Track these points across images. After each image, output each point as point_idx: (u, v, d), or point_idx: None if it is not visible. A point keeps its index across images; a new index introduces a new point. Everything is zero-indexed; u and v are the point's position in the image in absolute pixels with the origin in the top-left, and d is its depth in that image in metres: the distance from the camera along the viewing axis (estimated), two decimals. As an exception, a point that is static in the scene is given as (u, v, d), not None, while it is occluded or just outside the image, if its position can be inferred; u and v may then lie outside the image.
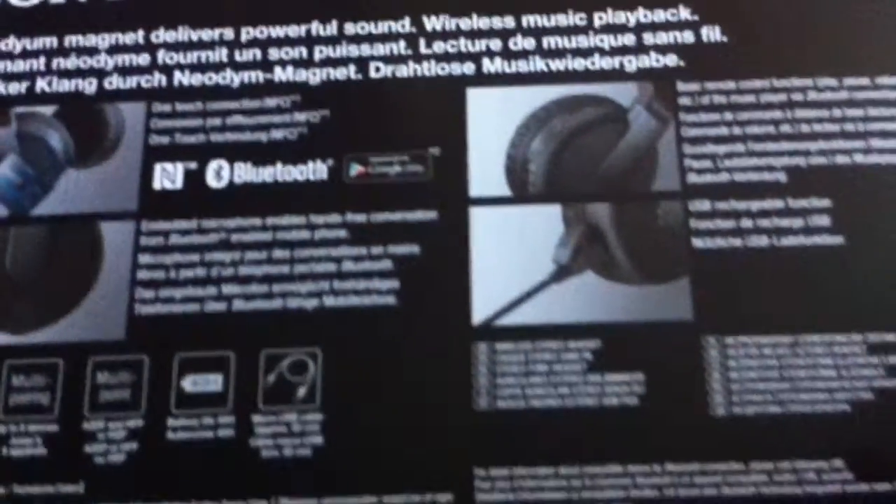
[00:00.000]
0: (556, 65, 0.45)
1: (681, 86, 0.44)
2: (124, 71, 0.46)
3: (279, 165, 0.44)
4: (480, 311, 0.42)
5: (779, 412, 0.40)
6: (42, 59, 0.46)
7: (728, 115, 0.44)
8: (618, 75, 0.45)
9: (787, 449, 0.40)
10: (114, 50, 0.46)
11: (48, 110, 0.45)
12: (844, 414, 0.40)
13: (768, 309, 0.42)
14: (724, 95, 0.44)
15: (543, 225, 0.43)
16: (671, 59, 0.45)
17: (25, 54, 0.46)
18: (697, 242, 0.42)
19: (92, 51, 0.46)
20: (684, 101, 0.44)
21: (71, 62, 0.46)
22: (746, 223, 0.43)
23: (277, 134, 0.45)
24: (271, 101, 0.45)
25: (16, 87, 0.46)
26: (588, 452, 0.40)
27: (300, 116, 0.45)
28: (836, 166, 0.44)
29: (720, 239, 0.43)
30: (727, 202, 0.43)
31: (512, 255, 0.43)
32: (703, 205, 0.43)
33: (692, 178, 0.43)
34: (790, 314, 0.41)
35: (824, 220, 0.43)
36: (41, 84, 0.46)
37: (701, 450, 0.40)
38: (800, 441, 0.40)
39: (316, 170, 0.44)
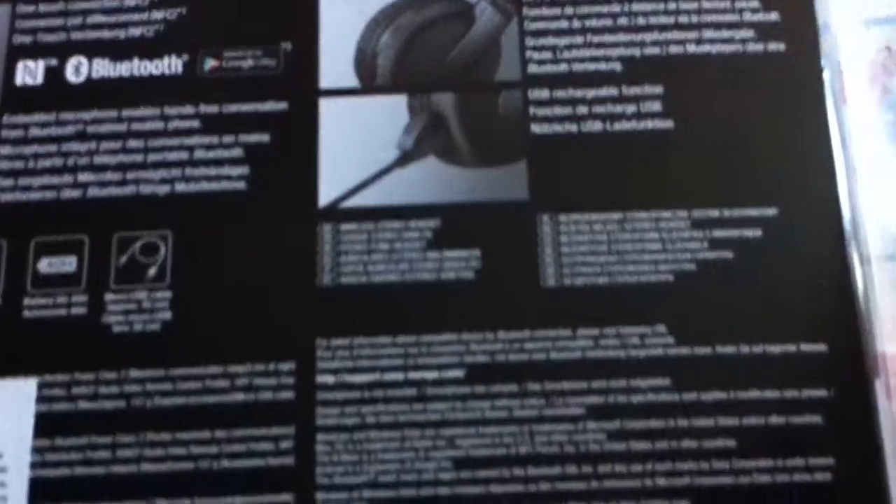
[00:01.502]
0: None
1: (524, -19, 0.47)
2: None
3: (136, 61, 0.46)
4: (326, 195, 0.44)
5: (606, 282, 0.43)
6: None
7: (569, 10, 0.47)
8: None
9: (612, 316, 0.43)
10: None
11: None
12: (668, 283, 0.43)
13: (600, 189, 0.44)
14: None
15: (389, 114, 0.45)
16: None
17: None
18: (535, 128, 0.45)
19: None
20: (527, -5, 0.47)
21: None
22: (582, 110, 0.46)
23: (135, 31, 0.47)
24: (130, 1, 0.47)
25: None
26: (425, 323, 0.43)
27: (157, 14, 0.47)
28: (670, 56, 0.46)
29: (557, 125, 0.45)
30: (565, 90, 0.46)
31: (358, 142, 0.45)
32: (543, 93, 0.46)
33: (532, 68, 0.46)
34: (620, 193, 0.44)
35: (656, 106, 0.45)
36: None
37: (532, 318, 0.43)
38: (625, 309, 0.43)
39: (171, 64, 0.46)
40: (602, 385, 0.42)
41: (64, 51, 0.46)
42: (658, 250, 0.43)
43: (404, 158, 0.45)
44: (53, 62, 0.46)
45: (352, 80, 0.46)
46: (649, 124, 0.45)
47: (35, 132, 0.45)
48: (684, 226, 0.44)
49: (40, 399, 0.42)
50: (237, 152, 0.45)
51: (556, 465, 0.41)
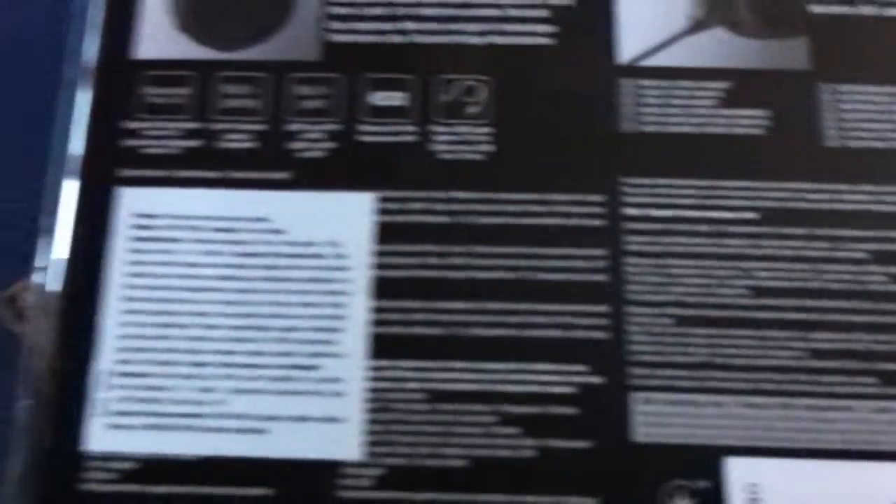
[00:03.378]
0: None
1: None
2: None
3: None
4: (625, 54, 0.50)
5: (883, 147, 0.48)
6: None
7: None
8: None
9: (889, 175, 0.48)
10: None
11: None
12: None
13: (877, 63, 0.49)
14: None
15: None
16: None
17: None
18: (815, 8, 0.50)
19: None
20: None
21: None
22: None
23: None
24: None
25: None
26: (719, 170, 0.48)
27: None
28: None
29: (835, 6, 0.50)
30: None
31: (652, 11, 0.50)
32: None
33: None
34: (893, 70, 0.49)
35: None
36: None
37: (815, 173, 0.48)
38: (897, 169, 0.48)
39: None
40: (882, 234, 0.46)
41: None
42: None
43: (695, 27, 0.50)
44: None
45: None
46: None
47: (365, -10, 0.50)
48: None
49: (379, 211, 0.47)
50: (544, 12, 0.50)
51: (843, 299, 0.46)
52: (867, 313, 0.45)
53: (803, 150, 0.48)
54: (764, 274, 0.45)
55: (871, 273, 0.46)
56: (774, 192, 0.46)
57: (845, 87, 0.49)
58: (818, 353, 0.45)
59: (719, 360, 0.44)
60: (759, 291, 0.45)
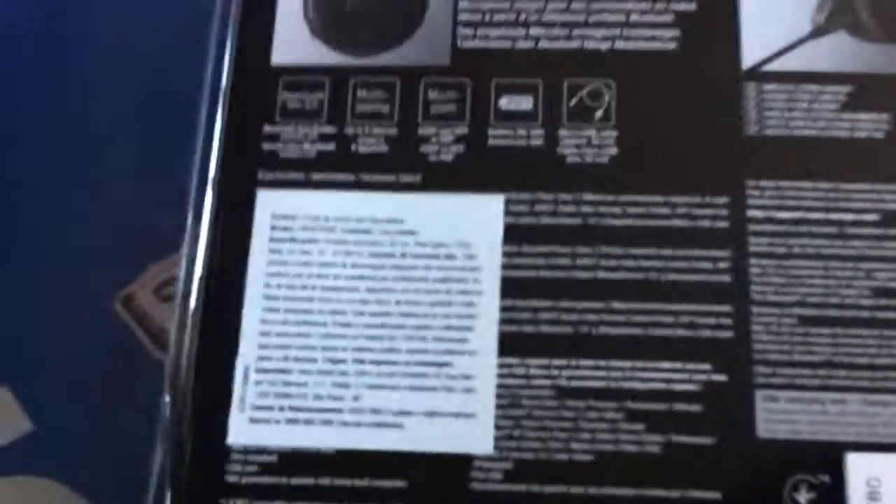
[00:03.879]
0: None
1: None
2: None
3: None
4: (748, 59, 0.51)
5: None
6: None
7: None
8: None
9: None
10: None
11: None
12: None
13: None
14: None
15: None
16: None
17: None
18: None
19: None
20: None
21: None
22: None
23: None
24: None
25: None
26: (841, 173, 0.49)
27: None
28: None
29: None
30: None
31: (775, 16, 0.51)
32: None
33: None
34: None
35: None
36: None
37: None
38: None
39: None
40: None
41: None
42: None
43: (818, 32, 0.51)
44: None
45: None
46: None
47: (491, -9, 0.52)
48: None
49: (508, 213, 0.48)
50: (668, 18, 0.51)
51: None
52: None
53: None
54: (884, 275, 0.46)
55: None
56: (895, 195, 0.47)
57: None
58: (940, 353, 0.45)
59: (841, 359, 0.45)
60: (881, 292, 0.46)
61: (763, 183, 0.48)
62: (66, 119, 0.55)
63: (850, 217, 0.48)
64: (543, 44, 0.51)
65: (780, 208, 0.48)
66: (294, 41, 0.52)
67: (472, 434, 0.45)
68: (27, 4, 0.57)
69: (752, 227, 0.48)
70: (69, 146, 0.54)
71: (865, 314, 0.46)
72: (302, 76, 0.51)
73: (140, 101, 0.55)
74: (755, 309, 0.46)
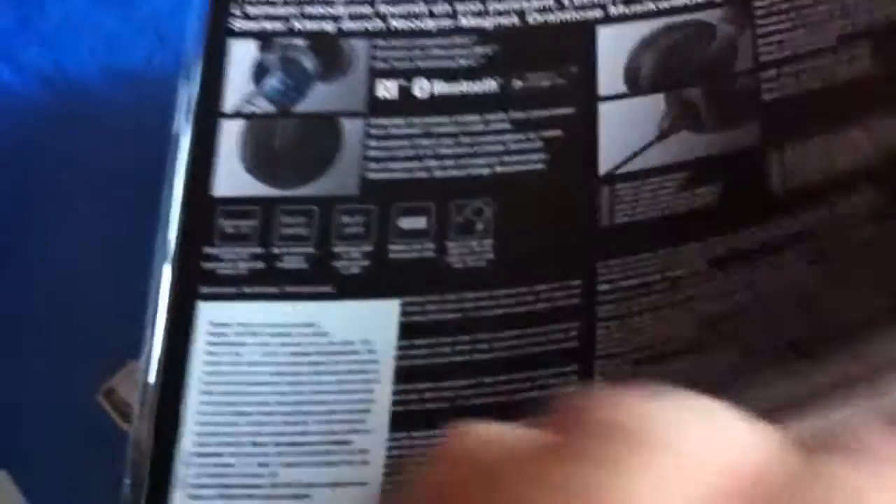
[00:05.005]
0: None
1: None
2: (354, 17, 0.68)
3: (463, 82, 0.66)
4: (604, 167, 0.63)
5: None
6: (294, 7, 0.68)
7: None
8: None
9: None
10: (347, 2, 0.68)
11: (302, 42, 0.67)
12: None
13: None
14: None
15: (651, 108, 0.64)
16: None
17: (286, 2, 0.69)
18: (766, 96, 0.62)
19: (330, 3, 0.68)
20: None
21: (315, 10, 0.68)
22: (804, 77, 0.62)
23: (463, 61, 0.66)
24: (458, 40, 0.67)
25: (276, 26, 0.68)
26: (678, 241, 0.61)
27: (478, 49, 0.66)
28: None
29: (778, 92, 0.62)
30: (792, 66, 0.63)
31: (630, 127, 0.63)
32: (770, 73, 0.63)
33: (764, 57, 0.63)
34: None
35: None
36: (296, 24, 0.68)
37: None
38: None
39: (489, 84, 0.65)
40: None
41: (410, 74, 0.65)
42: None
43: (662, 135, 0.62)
44: (403, 82, 0.65)
45: (622, 88, 0.64)
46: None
47: (392, 131, 0.64)
48: None
49: (403, 314, 0.60)
50: (538, 143, 0.63)
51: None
52: None
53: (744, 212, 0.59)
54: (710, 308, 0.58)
55: None
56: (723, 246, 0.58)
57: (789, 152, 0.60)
58: None
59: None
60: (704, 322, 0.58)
61: (611, 262, 0.59)
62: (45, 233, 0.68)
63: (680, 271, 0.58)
64: (437, 173, 0.62)
65: (625, 279, 0.58)
66: (231, 176, 0.64)
67: (365, 500, 0.56)
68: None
69: (600, 298, 0.58)
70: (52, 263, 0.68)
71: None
72: (237, 205, 0.63)
73: (115, 224, 0.68)
74: (599, 363, 0.57)
